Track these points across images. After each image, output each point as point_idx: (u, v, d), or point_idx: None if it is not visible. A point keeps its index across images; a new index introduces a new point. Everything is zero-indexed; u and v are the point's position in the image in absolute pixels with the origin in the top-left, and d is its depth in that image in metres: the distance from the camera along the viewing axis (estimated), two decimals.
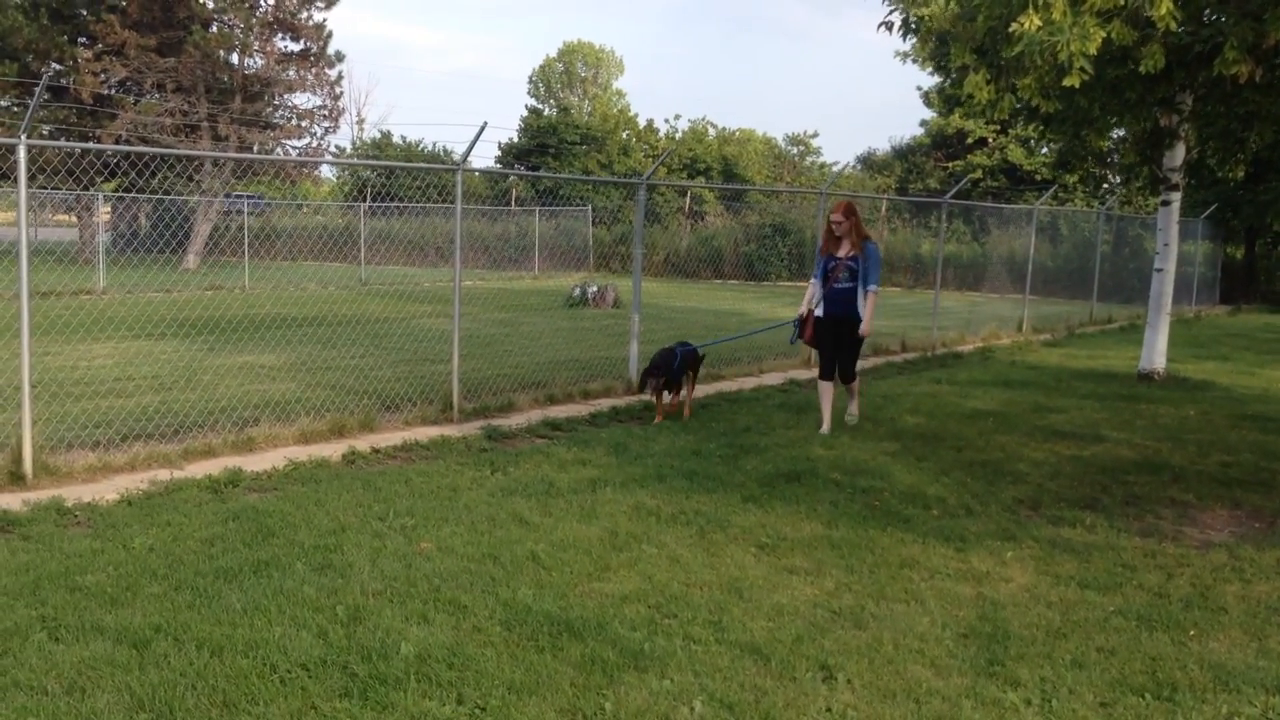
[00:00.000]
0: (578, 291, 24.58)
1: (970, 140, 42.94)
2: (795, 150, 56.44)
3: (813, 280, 10.11)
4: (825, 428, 9.84)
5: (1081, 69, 5.68)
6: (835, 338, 9.98)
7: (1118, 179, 24.10)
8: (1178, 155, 13.87)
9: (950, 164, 43.80)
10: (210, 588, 5.46)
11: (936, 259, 18.25)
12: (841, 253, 9.82)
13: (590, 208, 40.99)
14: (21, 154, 7.38)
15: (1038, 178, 40.67)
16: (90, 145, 10.31)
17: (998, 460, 8.88)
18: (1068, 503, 7.59)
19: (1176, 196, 14.21)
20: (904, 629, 5.17)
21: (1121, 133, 13.66)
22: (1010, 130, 41.20)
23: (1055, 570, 6.10)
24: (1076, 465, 8.81)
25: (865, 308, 9.74)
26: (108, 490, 7.38)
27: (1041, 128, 12.60)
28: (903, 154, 47.95)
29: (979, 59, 6.70)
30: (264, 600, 5.28)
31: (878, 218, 40.46)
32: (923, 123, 47.11)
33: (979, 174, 41.24)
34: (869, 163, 49.68)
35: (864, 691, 4.49)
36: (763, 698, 4.39)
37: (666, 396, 10.63)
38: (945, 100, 40.81)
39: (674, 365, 10.40)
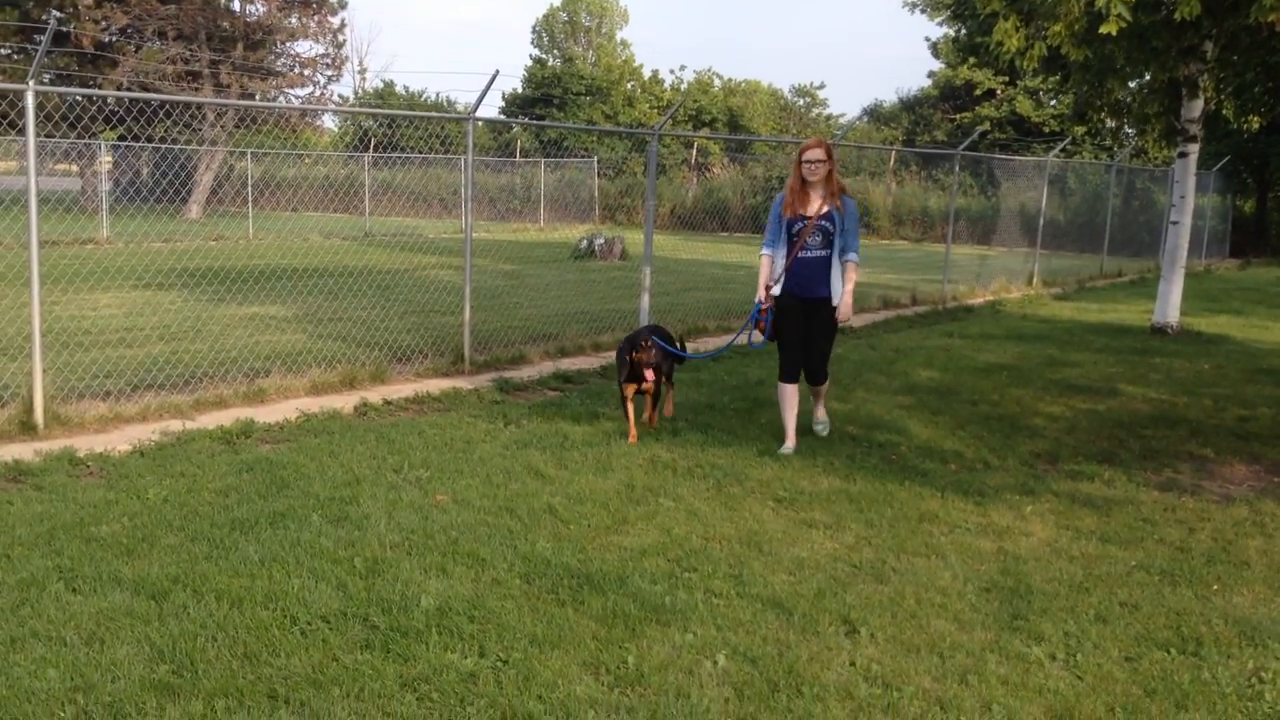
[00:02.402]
0: (585, 243, 24.44)
1: (978, 92, 42.53)
2: (801, 102, 55.94)
3: (765, 251, 7.50)
4: (789, 444, 7.45)
5: (1119, 15, 5.55)
6: (802, 325, 7.44)
7: (1132, 131, 23.83)
8: (1196, 107, 13.69)
9: (958, 116, 43.42)
10: (227, 539, 5.42)
11: (949, 212, 18.10)
12: (811, 210, 7.28)
13: (596, 159, 40.71)
14: (30, 100, 7.26)
15: (1046, 130, 40.32)
16: (97, 91, 10.18)
17: (1013, 414, 8.82)
18: (1085, 457, 7.54)
19: (1194, 148, 14.04)
20: (925, 583, 5.14)
21: (1140, 82, 13.45)
22: (1019, 82, 40.80)
23: (1075, 524, 6.05)
24: (1093, 419, 8.75)
25: (844, 283, 7.35)
26: (120, 440, 7.34)
27: (1058, 78, 12.42)
28: (910, 106, 47.54)
29: (1009, 5, 6.55)
30: (281, 552, 5.25)
31: (885, 170, 40.19)
32: (930, 74, 46.69)
33: (987, 126, 40.88)
34: (876, 115, 49.26)
35: (887, 645, 4.45)
36: (786, 651, 4.36)
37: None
38: (960, 50, 40.30)
39: (654, 356, 7.75)
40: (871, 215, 36.60)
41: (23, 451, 6.94)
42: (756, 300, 7.58)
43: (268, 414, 8.23)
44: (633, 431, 7.73)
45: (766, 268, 7.51)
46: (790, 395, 7.54)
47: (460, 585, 4.94)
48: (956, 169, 18.61)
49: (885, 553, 5.55)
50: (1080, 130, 37.29)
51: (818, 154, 7.24)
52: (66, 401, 8.00)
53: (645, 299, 12.41)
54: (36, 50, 31.16)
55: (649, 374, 7.67)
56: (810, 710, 3.88)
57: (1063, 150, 23.65)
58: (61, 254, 18.34)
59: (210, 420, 7.96)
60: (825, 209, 7.25)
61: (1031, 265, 20.68)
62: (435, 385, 9.44)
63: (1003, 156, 28.04)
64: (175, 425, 7.79)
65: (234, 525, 5.63)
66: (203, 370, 9.45)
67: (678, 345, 8.58)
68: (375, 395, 8.96)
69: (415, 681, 4.02)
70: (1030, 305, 17.41)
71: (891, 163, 39.89)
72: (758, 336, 7.85)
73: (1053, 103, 41.07)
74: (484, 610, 4.65)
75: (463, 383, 9.65)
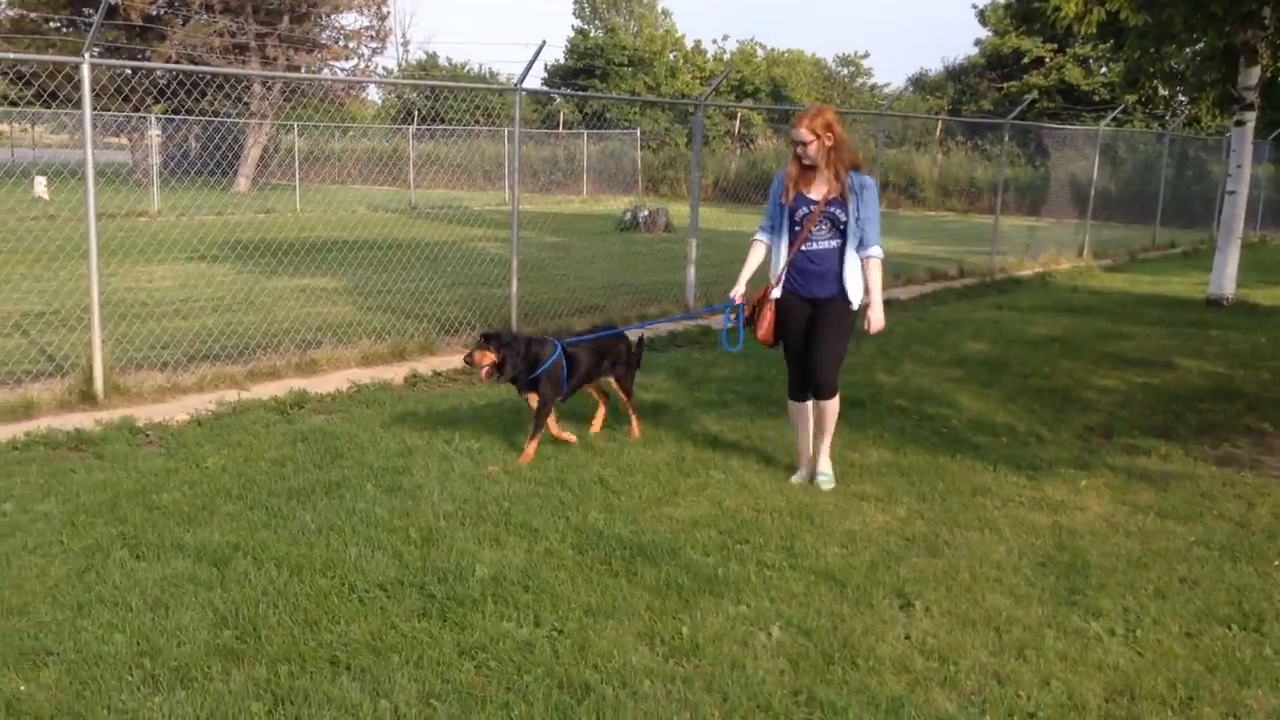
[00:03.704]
0: (629, 215, 24.40)
1: (1026, 60, 41.89)
2: (845, 71, 55.37)
3: (758, 239, 6.13)
4: (800, 473, 6.30)
5: None
6: (808, 330, 6.05)
7: (1186, 99, 23.39)
8: (1253, 74, 13.41)
9: (1005, 85, 42.81)
10: (284, 508, 5.50)
11: (997, 182, 17.88)
12: (816, 192, 5.88)
13: (639, 131, 40.56)
14: (85, 73, 7.34)
15: (1096, 98, 39.67)
16: (149, 65, 10.28)
17: (1066, 387, 8.72)
18: (1141, 431, 7.44)
19: (1251, 116, 13.76)
20: (980, 557, 5.11)
21: (1197, 48, 13.19)
22: (1069, 49, 40.15)
23: (1132, 499, 5.99)
24: (1148, 393, 8.64)
25: (865, 281, 5.95)
26: (177, 410, 7.45)
27: (1110, 44, 12.20)
28: (956, 75, 46.92)
29: None
30: (338, 521, 5.31)
31: (931, 140, 39.74)
32: (977, 42, 46.03)
33: (1035, 95, 40.30)
34: (921, 84, 48.68)
35: (943, 619, 4.44)
36: (840, 624, 4.36)
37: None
38: (1011, 17, 39.70)
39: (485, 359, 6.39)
40: (917, 186, 36.24)
41: (84, 421, 7.07)
42: (730, 296, 6.19)
43: (320, 384, 8.32)
44: (528, 449, 6.48)
45: (753, 256, 6.13)
46: (802, 415, 6.25)
47: (514, 555, 4.98)
48: (1005, 138, 18.36)
49: (938, 526, 5.53)
50: (1131, 98, 36.64)
51: (803, 134, 5.76)
52: (125, 372, 8.12)
53: (691, 271, 12.40)
54: (85, 23, 31.51)
55: (484, 374, 6.40)
56: (866, 683, 3.89)
57: (1114, 119, 23.25)
58: (116, 226, 18.56)
59: (264, 391, 8.06)
60: (833, 193, 5.84)
61: (1082, 236, 20.40)
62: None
63: (1053, 125, 27.65)
64: (231, 395, 7.89)
65: (291, 494, 5.71)
66: (256, 341, 9.56)
67: (624, 351, 7.11)
68: (425, 366, 9.02)
69: (473, 649, 4.06)
70: (1081, 277, 17.18)
71: (938, 133, 39.43)
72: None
73: (1103, 70, 40.39)
74: (538, 580, 4.69)
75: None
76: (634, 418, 7.12)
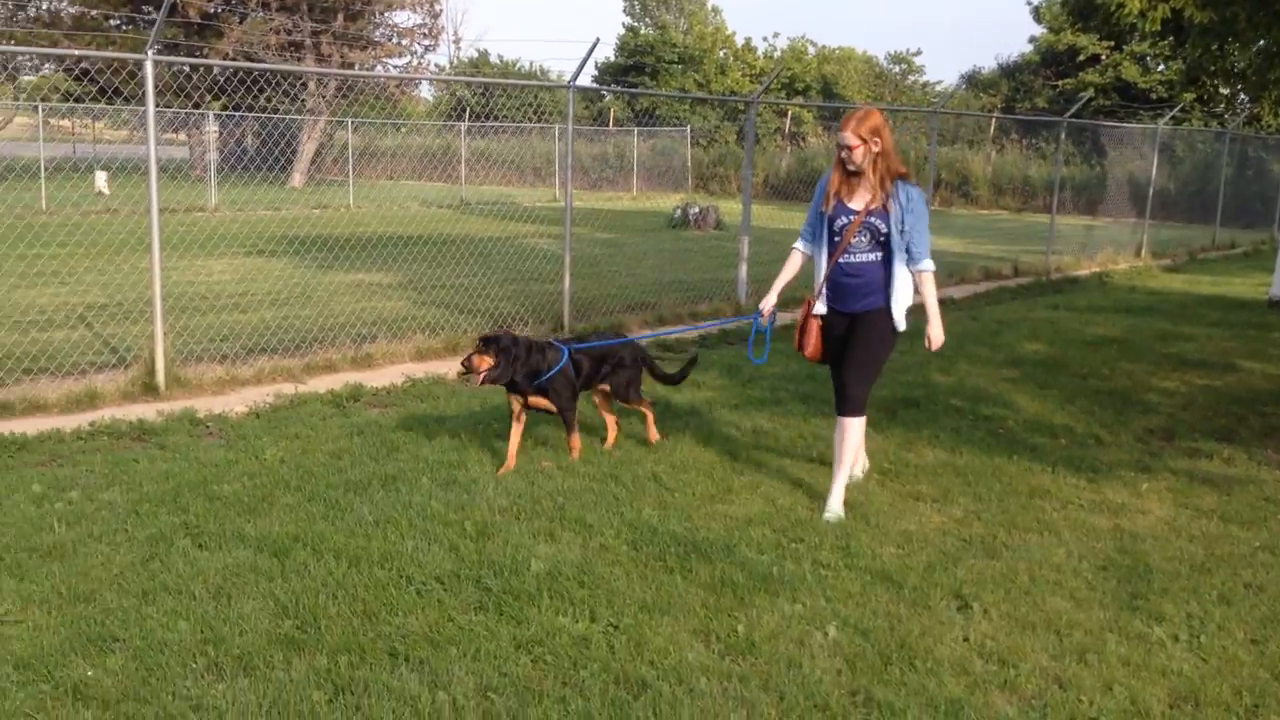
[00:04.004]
0: (679, 213, 24.38)
1: (1082, 58, 41.30)
2: (897, 69, 54.88)
3: (796, 248, 5.82)
4: (856, 467, 6.11)
5: None
6: (846, 344, 5.72)
7: (1247, 97, 22.96)
8: None
9: (1060, 82, 42.23)
10: (342, 500, 5.56)
11: (1053, 181, 17.66)
12: (857, 201, 5.53)
13: (689, 128, 40.51)
14: (149, 69, 7.46)
15: (1153, 96, 39.05)
16: (209, 62, 10.41)
17: (1125, 389, 8.60)
18: (1203, 434, 7.32)
19: None
20: (1039, 560, 5.05)
21: (1260, 46, 12.94)
22: (1125, 47, 39.54)
23: (1194, 503, 5.89)
24: (1209, 395, 8.49)
25: (926, 300, 5.59)
26: (236, 402, 7.55)
27: (1170, 42, 11.99)
28: (1010, 72, 46.32)
29: None
30: (394, 514, 5.36)
31: (985, 138, 39.33)
32: (1032, 39, 45.44)
33: (1091, 92, 39.74)
34: (974, 81, 48.14)
35: (1001, 622, 4.39)
36: (897, 625, 4.33)
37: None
38: (1069, 13, 39.13)
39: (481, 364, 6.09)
40: (970, 184, 35.87)
41: (146, 411, 7.19)
42: (765, 306, 5.96)
43: (375, 378, 8.39)
44: (510, 457, 6.24)
45: (789, 266, 5.84)
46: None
47: (569, 550, 4.99)
48: (1062, 136, 18.13)
49: (995, 528, 5.47)
50: (1189, 97, 36.02)
51: (848, 138, 5.41)
52: (185, 364, 8.24)
53: (743, 269, 12.37)
54: (145, 20, 32.02)
55: (477, 378, 6.09)
56: (924, 684, 3.86)
57: (1172, 118, 22.90)
58: (176, 221, 18.86)
59: (321, 384, 8.15)
60: (876, 203, 5.48)
61: (1140, 236, 20.10)
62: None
63: (1110, 124, 27.25)
64: (288, 388, 7.99)
65: (348, 486, 5.77)
66: (312, 335, 9.67)
67: (626, 358, 6.71)
68: None
69: (529, 644, 4.08)
70: (1139, 277, 16.93)
71: (992, 130, 39.00)
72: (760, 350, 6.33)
73: (1161, 68, 39.75)
74: (593, 575, 4.70)
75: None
76: (611, 431, 6.76)
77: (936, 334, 5.58)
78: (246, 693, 3.66)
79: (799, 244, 5.82)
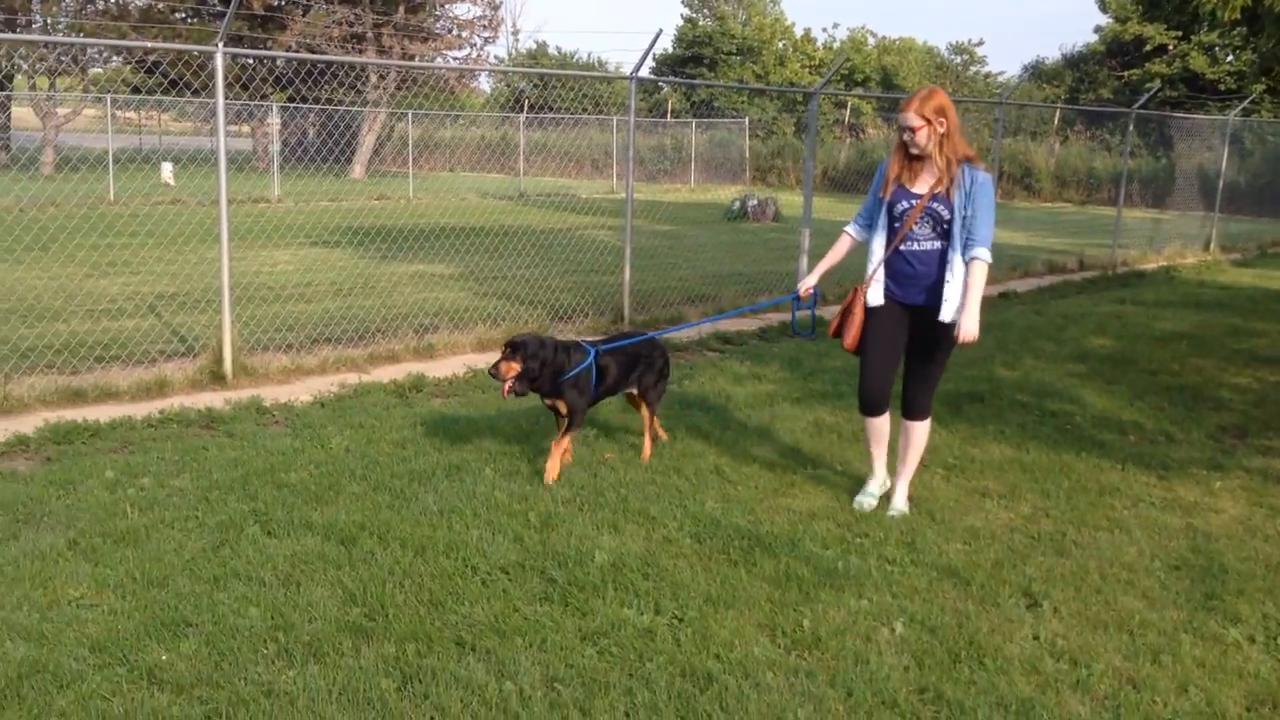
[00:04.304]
0: (738, 205, 24.30)
1: (1149, 48, 40.53)
2: (959, 59, 54.25)
3: (847, 231, 5.56)
4: (871, 490, 5.67)
5: None
6: (898, 338, 5.45)
7: None
8: None
9: (1126, 73, 41.48)
10: (407, 489, 5.60)
11: (1119, 173, 17.34)
12: (920, 186, 5.25)
13: (747, 120, 40.33)
14: (219, 61, 7.55)
15: (1221, 87, 38.21)
16: (280, 54, 10.52)
17: (1196, 385, 8.43)
18: (1277, 431, 7.15)
19: None
20: (1110, 558, 4.96)
21: None
22: (1194, 37, 38.73)
23: (1270, 502, 5.76)
24: None
25: (965, 290, 5.16)
26: (301, 392, 7.64)
27: (1241, 32, 11.71)
28: (1074, 63, 45.59)
29: None
30: (459, 503, 5.39)
31: (1049, 130, 38.73)
32: (1097, 29, 44.68)
33: (1157, 83, 39.05)
34: (1037, 72, 47.42)
35: (1072, 621, 4.33)
36: (965, 622, 4.28)
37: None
38: (1137, 2, 38.40)
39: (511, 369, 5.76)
40: (1033, 177, 35.35)
41: (214, 400, 7.30)
42: (803, 288, 5.79)
43: (437, 369, 8.45)
44: (550, 468, 5.84)
45: (836, 249, 5.58)
46: (878, 431, 5.63)
47: (632, 542, 4.99)
48: (1130, 128, 17.79)
49: (1064, 525, 5.39)
50: (1260, 88, 35.19)
51: (911, 119, 5.12)
52: (252, 353, 8.35)
53: (804, 261, 12.27)
54: (210, 13, 32.48)
55: (505, 388, 5.77)
56: (995, 683, 3.81)
57: (1242, 109, 22.38)
58: (241, 212, 19.13)
59: (384, 374, 8.22)
60: (940, 187, 5.18)
61: (1209, 229, 19.70)
62: None
63: (1180, 115, 26.71)
64: (352, 378, 8.07)
65: (412, 476, 5.81)
66: (375, 325, 9.76)
67: (657, 359, 6.35)
68: None
69: (594, 635, 4.08)
70: (1208, 271, 16.60)
71: (1055, 122, 38.41)
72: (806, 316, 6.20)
73: (1230, 59, 38.88)
74: (657, 568, 4.69)
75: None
76: (648, 437, 6.34)
77: (969, 325, 5.11)
78: (317, 679, 3.70)
79: (850, 227, 5.53)
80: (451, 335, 9.37)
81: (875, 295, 5.37)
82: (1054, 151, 37.05)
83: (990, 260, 5.16)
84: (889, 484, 5.71)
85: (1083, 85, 43.90)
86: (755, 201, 24.17)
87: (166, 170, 27.01)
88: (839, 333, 5.49)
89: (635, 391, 6.30)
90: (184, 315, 10.19)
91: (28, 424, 6.59)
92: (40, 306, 10.24)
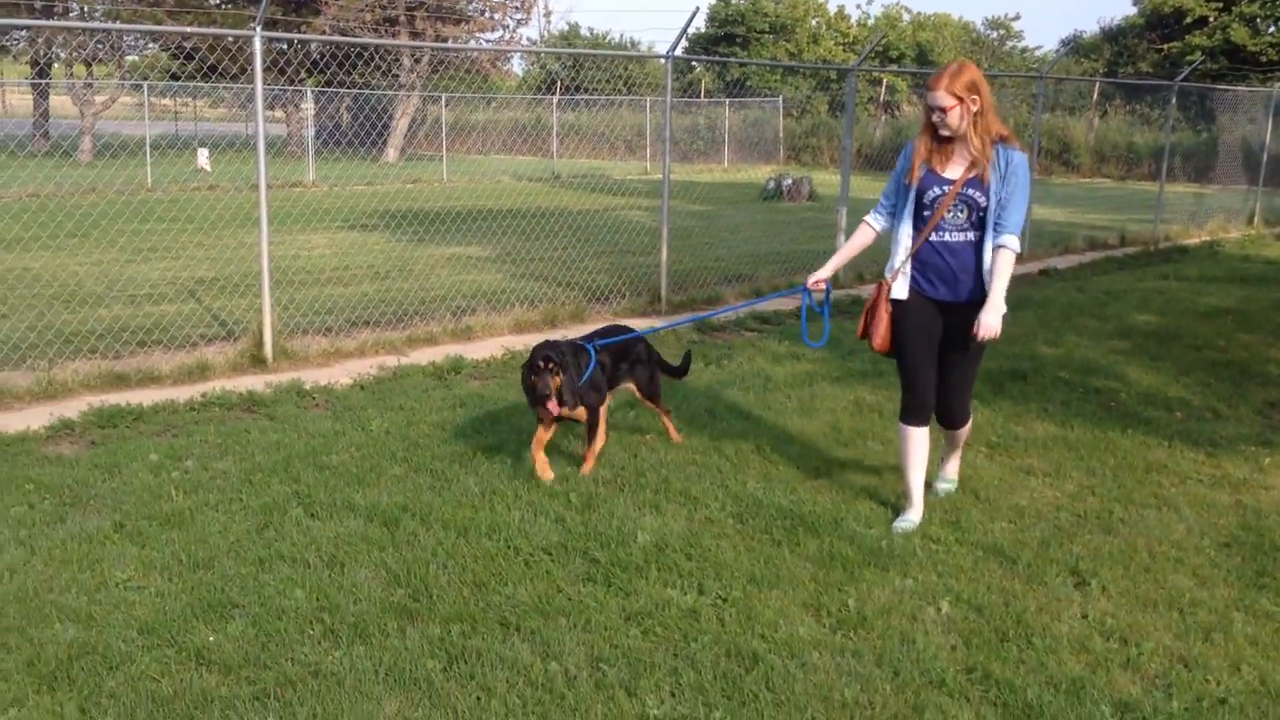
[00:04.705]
0: (772, 184, 24.17)
1: (1189, 20, 39.85)
2: (995, 34, 53.58)
3: (867, 222, 5.09)
4: (911, 515, 5.03)
5: None
6: (932, 339, 4.94)
7: None
8: None
9: (1165, 46, 40.82)
10: (447, 471, 5.61)
11: (1161, 148, 17.08)
12: (952, 170, 4.78)
13: (781, 99, 40.07)
14: (257, 46, 7.57)
15: (1263, 59, 37.54)
16: (317, 38, 10.53)
17: (1243, 361, 8.30)
18: None
19: None
20: (1158, 536, 4.90)
21: None
22: (1234, 8, 38.08)
23: None
24: None
25: (993, 280, 4.71)
26: (341, 374, 7.67)
27: None
28: (1112, 36, 44.92)
29: None
30: (499, 485, 5.39)
31: (1087, 105, 38.22)
32: (1136, 2, 43.98)
33: (1197, 56, 38.38)
34: (1076, 46, 46.76)
35: (1121, 599, 4.27)
36: (1012, 601, 4.23)
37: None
38: None
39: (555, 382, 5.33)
40: (1072, 152, 34.90)
41: (255, 383, 7.34)
42: (816, 278, 5.23)
43: (475, 351, 8.46)
44: (540, 467, 5.48)
45: (855, 240, 5.15)
46: (918, 444, 5.04)
47: (674, 522, 4.98)
48: (1173, 101, 17.51)
49: (1111, 503, 5.32)
50: None
51: (942, 98, 4.65)
52: (291, 337, 8.40)
53: (842, 240, 12.18)
54: None
55: (552, 405, 5.34)
56: (1044, 662, 3.76)
57: None
58: (278, 197, 19.22)
59: (422, 356, 8.24)
60: (975, 171, 4.72)
61: (1252, 203, 19.40)
62: (633, 325, 9.50)
63: (1222, 88, 26.25)
64: (390, 360, 8.09)
65: (453, 458, 5.82)
66: (412, 308, 9.78)
67: (644, 353, 6.07)
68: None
69: (638, 615, 4.07)
70: (1252, 246, 16.33)
71: (1094, 96, 37.89)
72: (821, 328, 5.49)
73: (1271, 30, 38.19)
74: (700, 548, 4.68)
75: (660, 323, 9.68)
76: (668, 423, 6.19)
77: (990, 320, 4.59)
78: (363, 659, 3.72)
79: (871, 217, 5.06)
80: (489, 317, 9.38)
81: (900, 290, 4.90)
82: (1093, 126, 36.56)
83: (1019, 250, 4.74)
84: (915, 509, 5.09)
85: (1121, 59, 43.27)
86: (790, 181, 24.02)
87: (202, 156, 27.20)
88: (866, 334, 5.02)
89: (633, 386, 6.01)
90: (223, 299, 10.26)
91: (72, 408, 6.66)
92: (82, 292, 10.34)
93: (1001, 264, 4.68)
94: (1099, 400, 7.17)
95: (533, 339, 8.83)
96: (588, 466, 5.64)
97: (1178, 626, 4.05)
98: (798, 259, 13.08)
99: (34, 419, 6.47)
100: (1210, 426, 6.59)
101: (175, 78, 32.76)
